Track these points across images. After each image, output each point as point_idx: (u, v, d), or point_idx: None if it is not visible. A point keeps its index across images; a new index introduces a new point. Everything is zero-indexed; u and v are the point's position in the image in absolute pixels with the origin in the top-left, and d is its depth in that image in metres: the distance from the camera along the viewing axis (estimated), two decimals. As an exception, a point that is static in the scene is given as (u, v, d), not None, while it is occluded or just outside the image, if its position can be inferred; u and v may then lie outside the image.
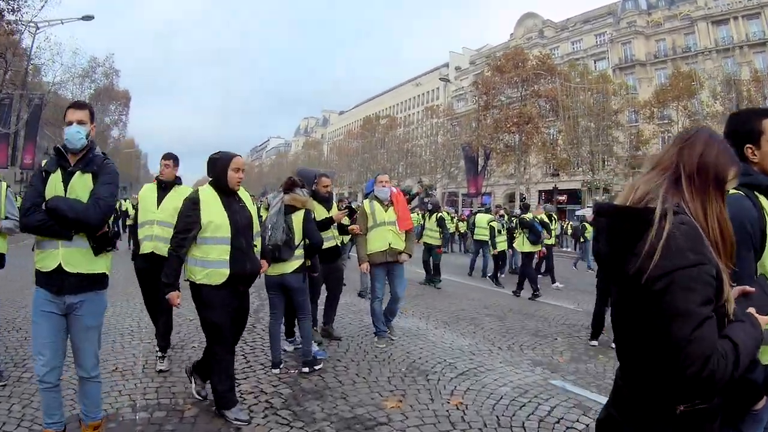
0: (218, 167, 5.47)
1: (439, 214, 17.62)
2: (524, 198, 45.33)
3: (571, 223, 40.26)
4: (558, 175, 46.72)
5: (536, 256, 17.20)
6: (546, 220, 17.62)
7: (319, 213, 8.41)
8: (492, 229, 17.89)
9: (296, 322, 7.97)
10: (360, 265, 9.20)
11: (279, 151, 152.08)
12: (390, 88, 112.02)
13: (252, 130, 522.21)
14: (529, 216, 16.29)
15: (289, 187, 7.45)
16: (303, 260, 7.32)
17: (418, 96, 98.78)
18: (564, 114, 49.00)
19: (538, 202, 57.54)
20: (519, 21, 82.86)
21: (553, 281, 18.08)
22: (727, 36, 55.27)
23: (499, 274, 18.44)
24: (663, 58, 60.64)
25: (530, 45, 69.89)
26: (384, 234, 9.02)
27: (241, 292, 5.64)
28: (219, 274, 5.33)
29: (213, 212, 5.37)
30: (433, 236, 17.43)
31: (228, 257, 5.35)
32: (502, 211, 22.64)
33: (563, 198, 55.53)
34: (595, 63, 64.16)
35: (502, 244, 18.15)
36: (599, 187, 51.38)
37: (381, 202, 9.15)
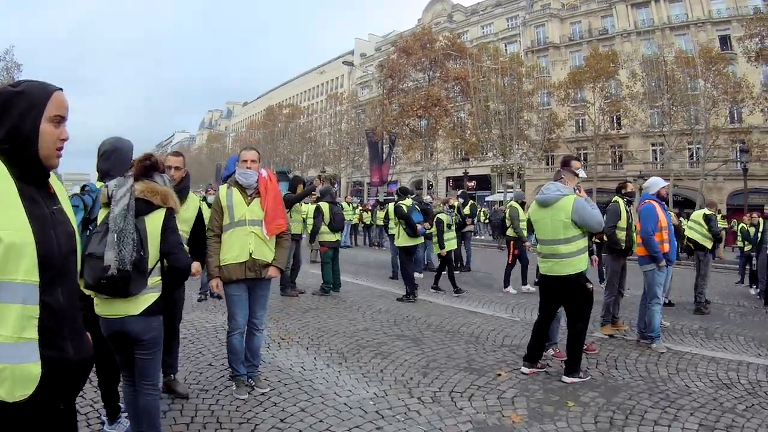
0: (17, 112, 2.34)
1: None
2: (431, 185, 40.94)
3: (484, 209, 37.87)
4: (468, 159, 42.91)
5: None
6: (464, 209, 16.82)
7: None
8: (440, 222, 13.77)
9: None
10: (209, 281, 6.09)
11: (183, 146, 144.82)
12: (294, 77, 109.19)
13: (160, 125, 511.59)
14: (408, 203, 13.44)
15: (145, 170, 4.18)
16: (158, 294, 4.15)
17: (323, 84, 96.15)
18: (474, 96, 45.67)
19: (446, 190, 53.79)
20: (427, 6, 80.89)
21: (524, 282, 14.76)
22: (648, 18, 54.32)
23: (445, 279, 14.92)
24: (578, 40, 59.34)
25: (439, 30, 66.20)
26: (244, 238, 6.03)
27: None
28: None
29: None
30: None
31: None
32: (453, 201, 17.35)
33: (472, 184, 51.72)
34: (506, 46, 61.53)
35: (451, 243, 14.09)
36: (511, 171, 48.78)
37: (243, 190, 6.12)
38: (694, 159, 46.63)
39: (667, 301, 11.50)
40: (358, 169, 64.75)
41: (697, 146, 43.63)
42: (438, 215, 13.83)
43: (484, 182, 57.33)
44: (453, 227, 14.43)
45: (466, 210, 18.51)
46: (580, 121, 54.09)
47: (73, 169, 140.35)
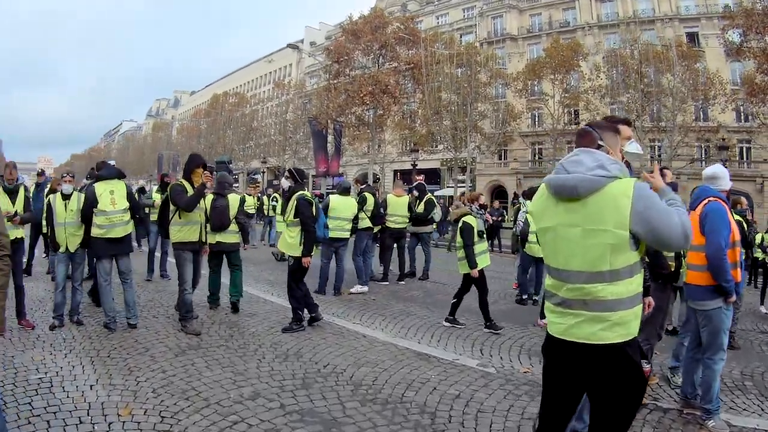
0: None
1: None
2: (378, 178, 37.32)
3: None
4: (417, 151, 39.35)
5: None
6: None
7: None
8: (468, 230, 9.59)
9: None
10: None
11: (132, 135, 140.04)
12: (243, 66, 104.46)
13: (111, 115, 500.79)
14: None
15: None
16: None
17: (270, 73, 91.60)
18: (426, 84, 41.89)
19: (394, 183, 49.98)
20: (381, -5, 75.25)
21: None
22: (612, 12, 52.02)
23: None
24: (537, 32, 56.71)
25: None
26: None
27: None
28: None
29: None
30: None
31: None
32: (483, 199, 13.32)
33: (421, 177, 46.84)
34: (461, 37, 57.63)
35: (484, 258, 9.82)
36: (463, 166, 46.06)
37: None
38: (657, 157, 44.10)
39: (670, 328, 8.65)
40: (302, 160, 60.67)
41: (659, 144, 41.02)
42: (464, 218, 9.44)
43: (434, 176, 54.88)
44: (485, 235, 10.10)
45: (420, 207, 14.62)
46: (537, 114, 51.44)
47: (22, 158, 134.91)
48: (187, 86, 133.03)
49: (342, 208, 12.22)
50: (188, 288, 8.36)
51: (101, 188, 8.25)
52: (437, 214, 15.99)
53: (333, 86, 46.55)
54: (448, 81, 42.54)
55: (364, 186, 14.12)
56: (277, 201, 20.89)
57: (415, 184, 17.08)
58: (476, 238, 9.34)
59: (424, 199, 15.04)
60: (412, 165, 38.90)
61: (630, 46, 40.44)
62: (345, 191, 12.67)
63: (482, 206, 10.90)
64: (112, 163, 10.63)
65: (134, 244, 9.87)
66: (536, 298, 11.48)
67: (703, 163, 38.36)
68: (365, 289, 12.47)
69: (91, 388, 5.83)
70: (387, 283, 13.72)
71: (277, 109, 70.73)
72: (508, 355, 7.70)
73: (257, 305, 10.31)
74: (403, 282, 14.03)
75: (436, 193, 51.78)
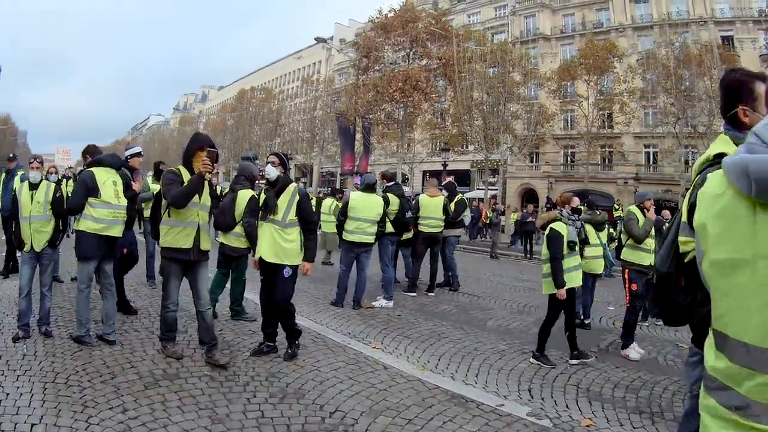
0: None
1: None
2: (407, 178, 35.87)
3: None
4: (448, 150, 37.89)
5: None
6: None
7: None
8: (557, 240, 7.90)
9: None
10: None
11: (158, 129, 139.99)
12: (271, 62, 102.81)
13: (140, 109, 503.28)
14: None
15: None
16: None
17: (299, 69, 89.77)
18: (459, 82, 39.86)
19: (424, 182, 48.38)
20: (412, -8, 73.33)
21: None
22: (646, 14, 50.08)
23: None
24: (570, 33, 54.59)
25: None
26: None
27: None
28: None
29: None
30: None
31: None
32: (575, 202, 10.86)
33: (451, 178, 45.38)
34: (492, 36, 55.40)
35: (575, 276, 8.12)
36: (495, 168, 45.16)
37: None
38: (691, 163, 42.33)
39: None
40: (330, 158, 59.59)
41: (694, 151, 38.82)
42: (552, 225, 7.72)
43: (464, 177, 53.03)
44: (577, 246, 7.98)
45: (450, 208, 12.81)
46: (569, 117, 49.67)
47: (51, 151, 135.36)
48: (215, 81, 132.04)
49: (364, 207, 10.47)
50: (171, 305, 6.67)
51: (103, 176, 6.93)
52: (467, 216, 14.44)
53: (362, 82, 44.90)
54: (480, 79, 40.82)
55: (391, 184, 12.18)
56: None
57: (444, 183, 15.26)
58: (566, 250, 7.64)
59: (455, 200, 13.55)
60: (442, 165, 37.32)
61: (666, 48, 38.65)
62: (369, 188, 10.85)
63: (575, 210, 8.44)
64: (137, 149, 9.25)
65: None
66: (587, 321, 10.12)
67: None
68: (390, 304, 10.84)
69: (31, 429, 4.44)
70: (414, 294, 12.15)
71: (305, 106, 69.34)
72: (563, 397, 6.13)
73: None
74: (432, 293, 12.47)
75: (466, 195, 50.30)
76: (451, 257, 13.60)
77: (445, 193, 13.25)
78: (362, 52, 44.06)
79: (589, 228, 9.18)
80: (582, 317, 9.93)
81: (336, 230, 11.51)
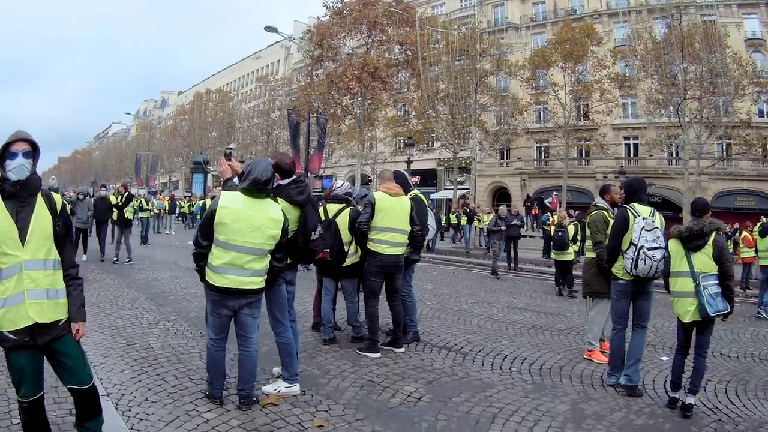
0: None
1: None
2: (370, 180, 32.12)
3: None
4: (413, 145, 34.12)
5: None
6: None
7: None
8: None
9: None
10: None
11: (120, 136, 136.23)
12: (229, 65, 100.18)
13: (105, 117, 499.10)
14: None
15: None
16: None
17: (258, 70, 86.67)
18: (422, 70, 35.26)
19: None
20: (372, -15, 70.06)
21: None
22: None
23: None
24: (542, 21, 52.01)
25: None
26: None
27: None
28: None
29: None
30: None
31: None
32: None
33: (416, 179, 43.34)
34: (458, 28, 51.67)
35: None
36: (463, 166, 43.26)
37: None
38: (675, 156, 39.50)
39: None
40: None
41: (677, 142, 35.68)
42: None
43: (430, 177, 51.11)
44: None
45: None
46: (543, 109, 46.23)
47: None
48: (179, 87, 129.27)
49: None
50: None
51: None
52: (432, 227, 9.14)
53: (314, 73, 40.73)
54: (445, 69, 36.58)
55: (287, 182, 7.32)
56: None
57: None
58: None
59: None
60: (406, 163, 33.46)
61: (648, 32, 35.03)
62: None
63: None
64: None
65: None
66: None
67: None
68: (295, 388, 6.29)
69: None
70: (376, 355, 7.81)
71: (262, 107, 66.50)
72: None
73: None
74: (401, 349, 8.13)
75: (431, 196, 46.90)
76: (410, 292, 8.93)
77: (414, 191, 9.02)
78: (316, 41, 39.22)
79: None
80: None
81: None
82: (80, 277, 4.26)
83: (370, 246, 7.83)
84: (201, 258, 5.65)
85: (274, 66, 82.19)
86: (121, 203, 19.19)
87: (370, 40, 37.49)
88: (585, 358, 8.03)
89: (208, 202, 15.76)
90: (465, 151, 38.07)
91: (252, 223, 5.51)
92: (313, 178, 39.81)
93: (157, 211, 34.25)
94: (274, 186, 6.10)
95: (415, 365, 7.42)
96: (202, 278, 5.70)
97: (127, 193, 19.90)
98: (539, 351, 8.40)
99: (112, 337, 8.33)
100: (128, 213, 19.67)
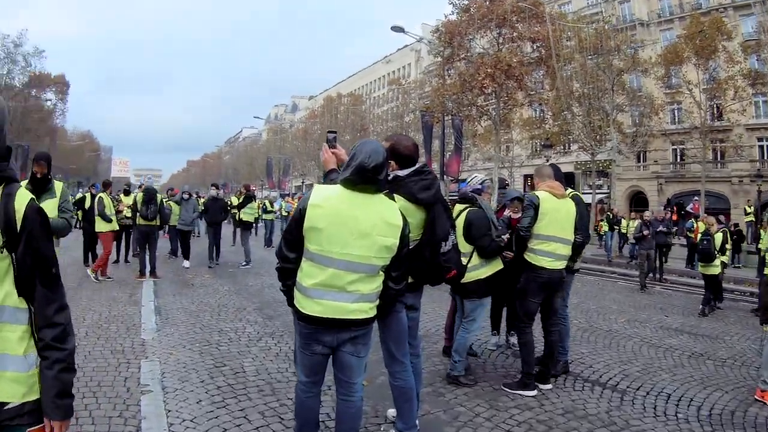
0: None
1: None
2: (507, 183, 32.43)
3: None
4: (551, 147, 34.17)
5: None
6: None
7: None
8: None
9: None
10: None
11: (251, 140, 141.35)
12: (360, 69, 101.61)
13: (235, 120, 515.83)
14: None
15: None
16: None
17: (389, 74, 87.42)
18: (557, 67, 34.91)
19: (524, 189, 44.78)
20: (499, -14, 70.29)
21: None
22: None
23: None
24: (668, 17, 50.33)
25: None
26: None
27: None
28: None
29: None
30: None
31: None
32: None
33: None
34: (588, 24, 51.45)
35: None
36: (602, 170, 42.69)
37: None
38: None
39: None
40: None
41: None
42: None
43: (568, 181, 48.04)
44: None
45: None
46: (676, 109, 45.14)
47: (146, 165, 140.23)
48: (308, 92, 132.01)
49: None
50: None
51: None
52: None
53: (447, 74, 40.49)
54: (579, 68, 35.73)
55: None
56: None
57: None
58: None
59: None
60: (545, 159, 33.60)
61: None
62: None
63: None
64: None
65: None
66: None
67: None
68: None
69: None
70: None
71: (396, 110, 67.17)
72: None
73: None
74: (548, 386, 6.91)
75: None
76: (567, 315, 8.04)
77: (569, 190, 7.38)
78: (445, 39, 39.15)
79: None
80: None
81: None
82: (67, 343, 2.39)
83: (530, 258, 6.64)
84: (287, 275, 4.16)
85: (405, 69, 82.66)
86: (238, 204, 19.32)
87: (501, 38, 37.47)
88: (756, 399, 6.67)
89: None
90: (602, 154, 37.80)
91: (357, 227, 3.91)
92: (448, 181, 40.55)
93: (285, 214, 31.11)
94: (390, 178, 4.62)
95: (564, 408, 6.22)
96: (290, 302, 4.21)
97: (246, 195, 20.05)
98: (705, 389, 7.17)
99: (200, 355, 7.53)
100: (245, 215, 19.53)
